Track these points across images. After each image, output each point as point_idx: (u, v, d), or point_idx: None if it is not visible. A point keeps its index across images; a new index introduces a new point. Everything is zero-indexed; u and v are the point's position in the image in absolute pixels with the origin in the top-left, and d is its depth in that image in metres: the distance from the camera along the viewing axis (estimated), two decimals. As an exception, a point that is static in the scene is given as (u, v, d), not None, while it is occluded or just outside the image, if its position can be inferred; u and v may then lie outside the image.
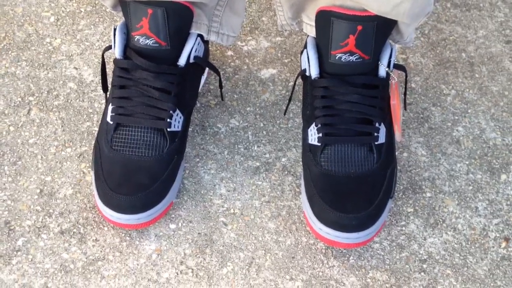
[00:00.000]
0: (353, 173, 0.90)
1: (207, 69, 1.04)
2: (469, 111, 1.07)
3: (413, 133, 1.04)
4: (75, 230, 0.92)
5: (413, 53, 1.13)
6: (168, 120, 0.91)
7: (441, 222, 0.95)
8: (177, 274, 0.89)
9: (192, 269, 0.89)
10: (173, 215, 0.94)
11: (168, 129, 0.91)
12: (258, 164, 0.99)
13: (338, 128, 0.91)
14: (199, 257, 0.90)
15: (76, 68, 1.08)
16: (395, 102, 0.93)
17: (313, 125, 0.92)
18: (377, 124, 0.92)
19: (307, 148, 0.93)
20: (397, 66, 0.95)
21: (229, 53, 1.11)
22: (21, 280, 0.87)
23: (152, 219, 0.90)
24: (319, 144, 0.91)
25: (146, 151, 0.90)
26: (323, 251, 0.92)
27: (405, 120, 1.05)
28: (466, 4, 1.20)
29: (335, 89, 0.91)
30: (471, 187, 0.99)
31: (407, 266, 0.91)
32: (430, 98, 1.08)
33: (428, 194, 0.98)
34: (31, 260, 0.89)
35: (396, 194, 0.97)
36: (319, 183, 0.90)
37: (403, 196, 0.97)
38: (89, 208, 0.94)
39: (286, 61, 1.11)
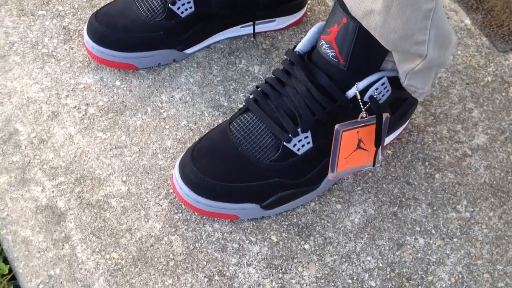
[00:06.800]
0: (242, 149, 0.81)
1: (302, 13, 1.02)
2: (455, 240, 0.84)
3: (372, 203, 0.86)
4: (66, 35, 1.02)
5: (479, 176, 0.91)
6: (177, -2, 0.93)
7: (282, 272, 0.79)
8: (63, 107, 0.93)
9: (75, 117, 0.92)
10: (126, 77, 0.96)
11: (170, 5, 0.93)
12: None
13: (267, 103, 0.82)
14: (96, 114, 0.93)
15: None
16: (342, 130, 0.79)
17: (258, 87, 0.85)
18: (299, 129, 0.80)
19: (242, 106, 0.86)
20: (374, 104, 0.79)
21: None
22: None
23: (103, 58, 0.95)
24: (244, 104, 0.84)
25: (142, 9, 0.95)
26: (174, 203, 0.85)
27: (379, 180, 0.87)
28: None
29: (296, 70, 0.81)
30: (350, 281, 0.79)
31: (205, 263, 0.79)
32: (437, 199, 0.87)
33: (306, 246, 0.82)
34: (5, 31, 1.01)
35: (277, 216, 0.83)
36: (212, 133, 0.84)
37: (283, 225, 0.83)
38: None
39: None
